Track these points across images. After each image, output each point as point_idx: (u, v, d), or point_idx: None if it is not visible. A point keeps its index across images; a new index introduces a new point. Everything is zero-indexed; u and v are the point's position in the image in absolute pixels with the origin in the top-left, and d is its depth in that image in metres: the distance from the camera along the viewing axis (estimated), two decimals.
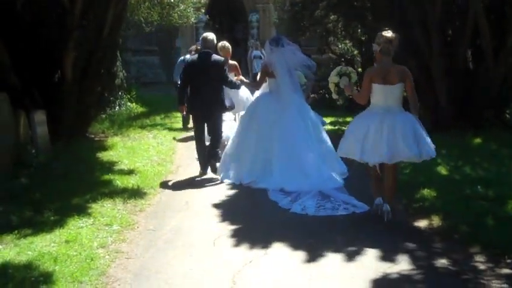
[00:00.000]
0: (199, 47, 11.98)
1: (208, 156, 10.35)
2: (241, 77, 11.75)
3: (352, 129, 7.67)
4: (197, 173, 10.42)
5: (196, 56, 10.64)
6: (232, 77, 11.20)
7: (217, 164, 10.27)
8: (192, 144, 12.52)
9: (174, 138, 14.24)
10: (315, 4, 18.25)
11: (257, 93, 10.83)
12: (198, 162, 10.53)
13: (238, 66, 12.46)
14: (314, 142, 9.85)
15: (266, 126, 9.93)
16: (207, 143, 10.53)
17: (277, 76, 9.98)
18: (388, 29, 7.61)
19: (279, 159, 9.62)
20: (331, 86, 8.23)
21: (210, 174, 10.38)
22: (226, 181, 9.84)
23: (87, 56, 12.81)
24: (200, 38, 11.24)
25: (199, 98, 10.11)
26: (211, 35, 10.41)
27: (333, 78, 8.16)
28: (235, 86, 10.81)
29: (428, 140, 7.51)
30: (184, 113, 11.07)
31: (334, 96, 8.33)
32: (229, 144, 10.31)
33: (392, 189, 7.57)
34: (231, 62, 12.15)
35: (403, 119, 7.41)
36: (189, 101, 10.36)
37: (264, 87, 10.42)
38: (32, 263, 5.99)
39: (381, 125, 7.29)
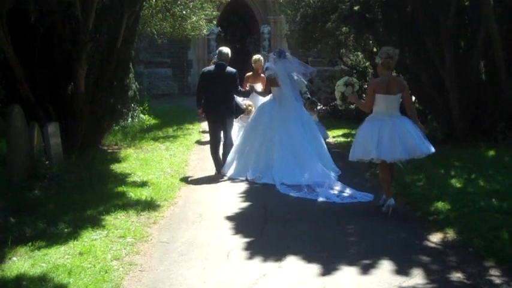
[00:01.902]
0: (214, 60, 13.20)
1: (222, 156, 11.65)
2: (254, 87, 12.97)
3: (362, 135, 8.63)
4: (211, 186, 10.72)
5: (213, 66, 12.02)
6: (259, 87, 13.02)
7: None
8: (205, 156, 12.76)
9: (197, 142, 15.17)
10: (326, 16, 18.23)
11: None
12: (213, 167, 11.67)
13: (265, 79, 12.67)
14: (311, 143, 11.31)
15: (270, 129, 11.37)
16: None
17: (280, 85, 11.46)
18: (390, 46, 8.81)
19: (280, 158, 10.98)
20: (337, 94, 9.34)
21: (223, 187, 10.47)
22: (232, 176, 11.15)
23: (100, 68, 12.88)
24: (217, 51, 12.38)
25: (213, 103, 11.45)
26: (226, 49, 11.78)
27: (340, 87, 9.23)
28: (244, 95, 12.47)
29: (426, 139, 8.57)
30: (203, 115, 11.94)
31: (339, 102, 9.63)
32: (236, 144, 11.76)
33: (392, 179, 8.87)
34: (262, 75, 13.17)
35: (406, 121, 8.53)
36: (205, 105, 11.56)
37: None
38: (47, 275, 5.99)
39: (391, 128, 8.37)
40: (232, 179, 11.12)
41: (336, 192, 9.88)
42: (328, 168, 11.00)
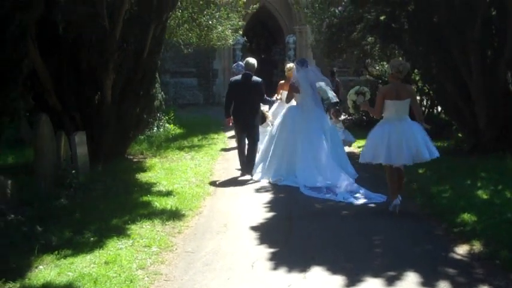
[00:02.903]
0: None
1: (247, 160, 12.37)
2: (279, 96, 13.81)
3: (373, 139, 9.24)
4: (235, 195, 10.79)
5: (240, 76, 12.60)
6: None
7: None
8: (230, 165, 12.79)
9: (221, 150, 15.38)
10: (352, 26, 18.22)
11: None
12: (236, 181, 12.09)
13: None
14: (330, 148, 11.81)
15: (292, 134, 11.94)
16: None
17: (302, 92, 11.99)
18: (400, 58, 9.56)
19: (301, 161, 11.54)
20: (349, 103, 10.16)
21: (247, 196, 10.55)
22: (258, 179, 11.89)
23: (126, 77, 12.98)
24: (239, 63, 13.40)
25: (241, 111, 12.26)
26: (252, 60, 12.64)
27: (351, 96, 10.08)
28: (269, 103, 13.16)
29: (431, 142, 9.17)
30: (230, 124, 12.75)
31: (351, 110, 10.65)
32: (261, 148, 12.55)
33: (402, 179, 9.32)
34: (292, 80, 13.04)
35: (415, 126, 9.08)
36: (233, 113, 12.41)
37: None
38: (73, 284, 6.04)
39: (399, 134, 8.91)
40: (256, 181, 11.86)
41: (353, 193, 10.38)
42: (347, 171, 11.52)
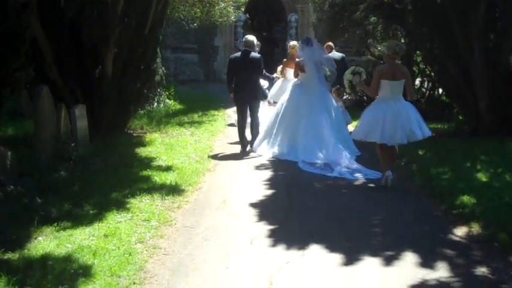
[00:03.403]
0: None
1: (251, 135, 12.71)
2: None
3: (368, 118, 9.50)
4: (235, 172, 10.78)
5: (239, 53, 12.91)
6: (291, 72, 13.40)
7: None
8: (230, 141, 12.80)
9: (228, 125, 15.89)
10: (355, 6, 18.15)
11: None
12: (236, 157, 12.13)
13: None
14: (333, 125, 12.03)
15: (296, 111, 12.18)
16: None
17: (306, 70, 12.21)
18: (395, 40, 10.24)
19: (303, 137, 11.80)
20: (346, 83, 10.50)
21: (247, 173, 10.56)
22: (261, 154, 12.15)
23: (128, 52, 12.92)
24: (243, 39, 13.36)
25: (241, 87, 12.42)
26: (251, 37, 12.84)
27: (347, 76, 10.41)
28: (268, 79, 13.47)
29: (424, 122, 9.51)
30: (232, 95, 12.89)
31: (348, 90, 11.18)
32: (266, 125, 12.67)
33: (394, 159, 9.76)
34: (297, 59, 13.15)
35: (408, 106, 9.41)
36: (234, 89, 12.59)
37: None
38: (72, 255, 6.06)
39: (394, 114, 9.18)
40: (259, 156, 12.13)
41: (349, 170, 10.63)
42: (349, 149, 11.78)
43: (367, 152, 11.46)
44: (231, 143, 13.49)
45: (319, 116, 11.97)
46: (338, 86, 13.47)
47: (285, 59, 14.51)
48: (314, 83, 12.23)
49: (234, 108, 13.91)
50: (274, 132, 12.33)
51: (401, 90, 9.42)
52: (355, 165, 10.85)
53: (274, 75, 14.23)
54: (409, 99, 9.51)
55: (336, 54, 17.38)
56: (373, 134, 9.37)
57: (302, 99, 12.19)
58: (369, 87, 9.83)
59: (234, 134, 13.96)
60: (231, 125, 15.68)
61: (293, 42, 14.62)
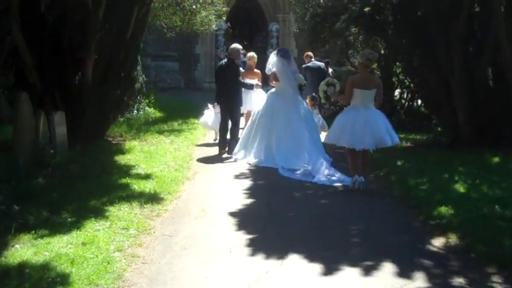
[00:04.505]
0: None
1: (229, 139, 13.23)
2: (258, 83, 14.98)
3: (339, 123, 9.92)
4: (214, 181, 10.83)
5: (224, 61, 13.59)
6: (254, 81, 14.43)
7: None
8: (209, 151, 12.95)
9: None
10: (336, 16, 18.23)
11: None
12: (215, 166, 12.21)
13: (260, 74, 15.38)
14: (307, 132, 12.36)
15: (271, 119, 12.52)
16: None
17: (281, 79, 12.62)
18: (370, 49, 10.80)
19: (279, 145, 12.15)
20: (321, 93, 11.22)
21: (227, 183, 10.57)
22: (238, 160, 12.52)
23: (108, 59, 12.88)
24: (224, 48, 13.82)
25: (223, 94, 13.16)
26: (236, 46, 13.45)
27: (322, 87, 11.14)
28: (247, 87, 13.80)
29: (393, 129, 9.98)
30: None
31: (323, 100, 11.66)
32: (243, 132, 13.10)
33: (366, 165, 10.00)
34: (256, 70, 15.46)
35: (377, 114, 9.86)
36: (216, 95, 13.46)
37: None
38: (49, 263, 6.00)
39: (364, 120, 9.60)
40: (235, 161, 12.54)
41: (327, 175, 10.94)
42: (323, 155, 12.14)
43: (341, 158, 11.61)
44: (201, 145, 14.49)
45: (295, 123, 12.36)
46: (313, 94, 13.70)
47: (242, 70, 14.80)
48: (288, 92, 12.63)
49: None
50: (250, 139, 12.69)
51: (372, 99, 9.85)
52: (333, 171, 11.12)
53: (254, 82, 14.49)
54: (376, 106, 9.93)
55: (316, 63, 17.72)
56: (342, 138, 9.78)
57: (277, 107, 12.56)
58: (343, 95, 10.28)
59: (213, 142, 14.11)
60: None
61: (251, 53, 15.96)
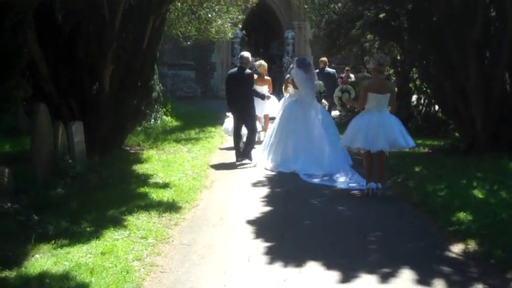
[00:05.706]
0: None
1: (244, 146, 13.36)
2: (268, 94, 15.42)
3: (353, 127, 10.09)
4: (232, 189, 10.82)
5: (236, 69, 13.68)
6: (265, 89, 15.27)
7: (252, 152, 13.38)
8: (226, 159, 12.95)
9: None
10: (351, 23, 18.23)
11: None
12: (233, 174, 12.22)
13: (270, 81, 16.32)
14: (327, 137, 12.58)
15: (290, 126, 12.78)
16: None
17: (299, 87, 12.87)
18: (380, 53, 11.18)
19: (297, 150, 12.39)
20: (336, 100, 11.73)
21: (244, 191, 10.61)
22: (257, 165, 12.83)
23: (125, 68, 12.96)
24: (239, 55, 14.33)
25: (236, 101, 13.23)
26: (246, 53, 13.83)
27: (337, 93, 11.64)
28: (258, 95, 13.94)
29: (408, 133, 10.12)
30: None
31: (338, 107, 12.23)
32: (265, 139, 13.78)
33: (382, 169, 10.09)
34: (266, 77, 16.14)
35: (392, 118, 10.02)
36: (229, 103, 13.54)
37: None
38: (69, 273, 6.04)
39: (377, 123, 9.75)
40: (254, 167, 12.82)
41: (346, 181, 11.15)
42: (343, 159, 12.32)
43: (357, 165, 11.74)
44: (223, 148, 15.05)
45: (315, 129, 12.64)
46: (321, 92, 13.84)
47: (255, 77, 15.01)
48: (306, 99, 12.86)
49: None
50: (269, 145, 12.99)
51: (386, 104, 10.02)
52: (352, 175, 11.40)
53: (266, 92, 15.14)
54: (391, 112, 10.13)
55: (327, 70, 18.85)
56: (356, 141, 9.95)
57: (295, 115, 12.78)
58: (357, 100, 10.51)
59: (231, 150, 14.14)
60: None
61: (260, 61, 16.62)
